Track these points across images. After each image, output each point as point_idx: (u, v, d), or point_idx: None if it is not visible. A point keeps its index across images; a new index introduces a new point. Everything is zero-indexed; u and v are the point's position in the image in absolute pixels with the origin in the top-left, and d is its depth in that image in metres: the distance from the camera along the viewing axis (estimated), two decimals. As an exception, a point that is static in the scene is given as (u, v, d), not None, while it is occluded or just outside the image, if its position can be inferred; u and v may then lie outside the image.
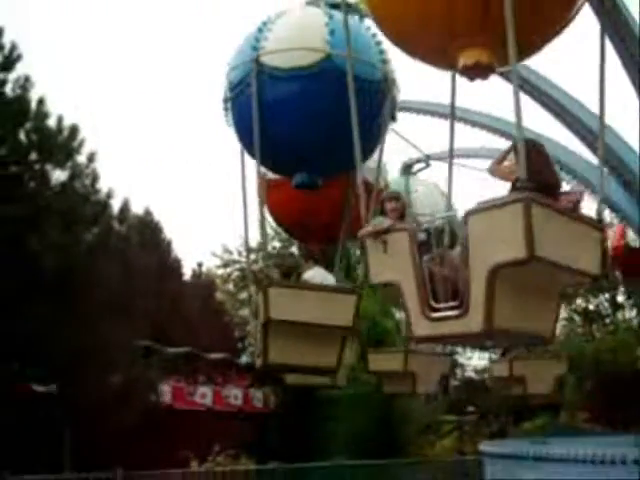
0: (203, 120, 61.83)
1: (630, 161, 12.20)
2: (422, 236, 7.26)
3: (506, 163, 6.66)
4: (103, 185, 17.79)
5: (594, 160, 12.52)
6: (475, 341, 7.33)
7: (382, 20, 7.02)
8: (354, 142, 7.35)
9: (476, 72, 6.35)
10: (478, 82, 6.59)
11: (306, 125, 8.47)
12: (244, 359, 29.27)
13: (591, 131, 11.74)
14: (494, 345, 9.33)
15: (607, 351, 25.02)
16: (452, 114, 8.58)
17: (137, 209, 29.59)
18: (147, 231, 27.91)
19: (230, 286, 38.28)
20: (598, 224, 6.70)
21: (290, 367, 8.50)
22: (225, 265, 38.32)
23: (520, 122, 5.85)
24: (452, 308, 6.27)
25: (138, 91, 67.64)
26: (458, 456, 22.58)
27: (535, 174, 5.96)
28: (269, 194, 9.53)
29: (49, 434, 16.71)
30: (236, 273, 37.40)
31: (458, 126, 13.43)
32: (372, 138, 8.81)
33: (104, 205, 17.62)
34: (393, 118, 9.42)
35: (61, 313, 14.73)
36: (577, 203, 6.94)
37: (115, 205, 18.60)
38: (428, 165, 12.45)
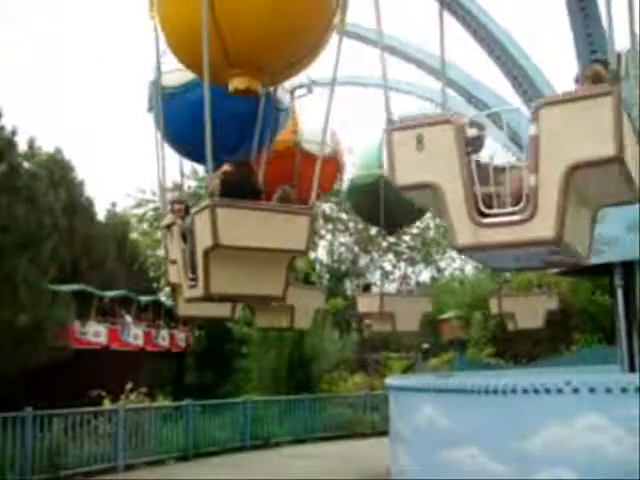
0: (117, 60, 60.12)
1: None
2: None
3: None
4: (7, 123, 17.41)
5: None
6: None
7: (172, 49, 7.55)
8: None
9: (245, 93, 7.12)
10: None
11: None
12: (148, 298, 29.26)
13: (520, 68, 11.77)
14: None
15: (513, 290, 25.87)
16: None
17: (49, 148, 28.95)
18: (57, 169, 27.20)
19: (145, 226, 37.86)
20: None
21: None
22: (139, 205, 37.79)
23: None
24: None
25: (54, 31, 65.13)
26: (368, 391, 23.21)
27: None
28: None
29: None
30: (150, 213, 36.93)
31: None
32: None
33: (8, 142, 17.07)
34: None
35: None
36: None
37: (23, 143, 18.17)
38: (311, 91, 12.05)
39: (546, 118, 5.44)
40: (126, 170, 58.36)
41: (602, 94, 5.26)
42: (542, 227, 5.50)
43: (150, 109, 10.30)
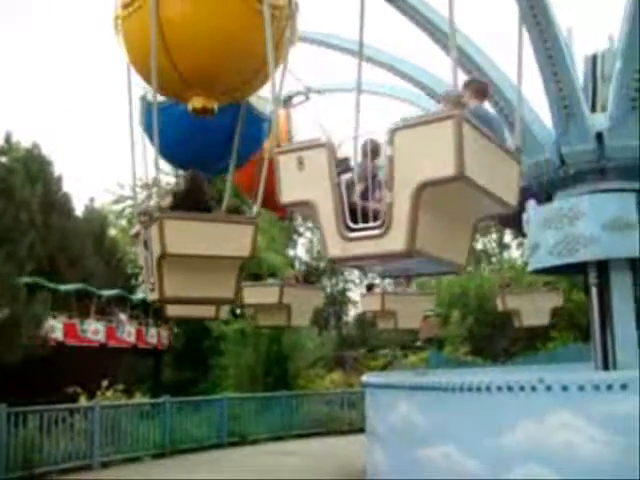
0: (95, 55, 59.74)
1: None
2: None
3: None
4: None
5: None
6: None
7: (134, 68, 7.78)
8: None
9: (202, 112, 7.64)
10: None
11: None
12: (139, 296, 29.08)
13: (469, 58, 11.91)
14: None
15: (490, 288, 26.06)
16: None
17: (26, 143, 28.74)
18: (34, 165, 27.00)
19: (123, 222, 37.67)
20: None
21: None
22: (118, 201, 37.59)
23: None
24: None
25: (31, 26, 64.56)
26: (346, 389, 23.25)
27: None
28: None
29: None
30: (129, 209, 36.74)
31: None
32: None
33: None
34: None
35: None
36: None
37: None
38: (308, 98, 12.28)
39: (399, 139, 5.82)
40: (106, 165, 58.10)
41: (445, 118, 5.60)
42: (395, 241, 5.91)
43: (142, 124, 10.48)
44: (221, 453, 18.17)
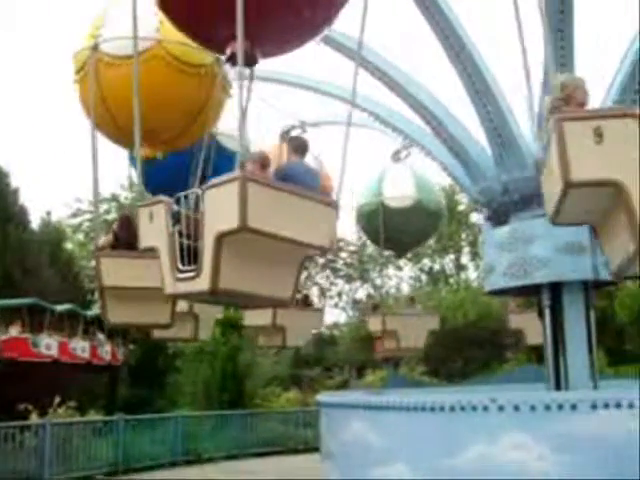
0: (53, 67, 59.11)
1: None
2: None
3: None
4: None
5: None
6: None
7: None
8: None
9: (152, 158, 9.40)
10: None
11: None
12: (94, 311, 28.67)
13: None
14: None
15: (447, 309, 26.28)
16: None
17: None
18: (-11, 177, 26.63)
19: (81, 236, 37.22)
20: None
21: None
22: (75, 215, 37.15)
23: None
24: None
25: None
26: (302, 407, 23.21)
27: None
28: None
29: None
30: (87, 223, 36.35)
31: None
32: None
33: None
34: None
35: None
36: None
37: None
38: (305, 131, 12.94)
39: (207, 196, 6.86)
40: (63, 179, 57.39)
41: (233, 179, 6.50)
42: (203, 281, 6.84)
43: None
44: (175, 471, 18.00)
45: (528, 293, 12.95)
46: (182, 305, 12.46)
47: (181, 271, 7.32)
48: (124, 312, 9.10)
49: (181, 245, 7.40)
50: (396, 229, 15.84)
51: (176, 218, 7.65)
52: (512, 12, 8.48)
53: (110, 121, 8.87)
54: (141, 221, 7.97)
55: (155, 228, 7.76)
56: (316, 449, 14.85)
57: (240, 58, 6.51)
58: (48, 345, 26.11)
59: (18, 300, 24.80)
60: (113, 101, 8.77)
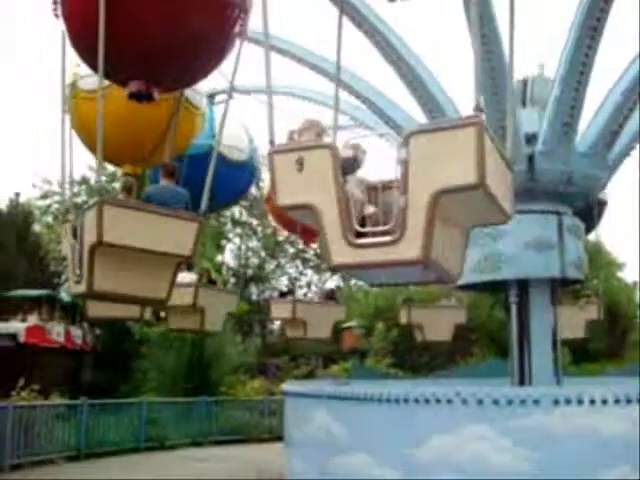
0: (23, 44, 58.26)
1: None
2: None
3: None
4: None
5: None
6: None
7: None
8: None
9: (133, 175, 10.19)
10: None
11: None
12: (64, 296, 28.52)
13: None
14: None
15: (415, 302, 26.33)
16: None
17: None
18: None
19: (49, 218, 36.78)
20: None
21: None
22: (44, 196, 36.69)
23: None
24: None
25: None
26: (267, 396, 23.20)
27: None
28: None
29: None
30: (56, 205, 35.90)
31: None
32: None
33: None
34: None
35: None
36: None
37: None
38: (231, 97, 12.15)
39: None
40: (33, 160, 56.64)
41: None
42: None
43: None
44: (138, 457, 17.92)
45: (496, 289, 13.06)
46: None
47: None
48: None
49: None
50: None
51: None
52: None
53: (92, 146, 9.55)
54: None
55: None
56: (281, 438, 14.88)
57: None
58: (58, 333, 27.77)
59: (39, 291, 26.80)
60: (89, 130, 9.26)
